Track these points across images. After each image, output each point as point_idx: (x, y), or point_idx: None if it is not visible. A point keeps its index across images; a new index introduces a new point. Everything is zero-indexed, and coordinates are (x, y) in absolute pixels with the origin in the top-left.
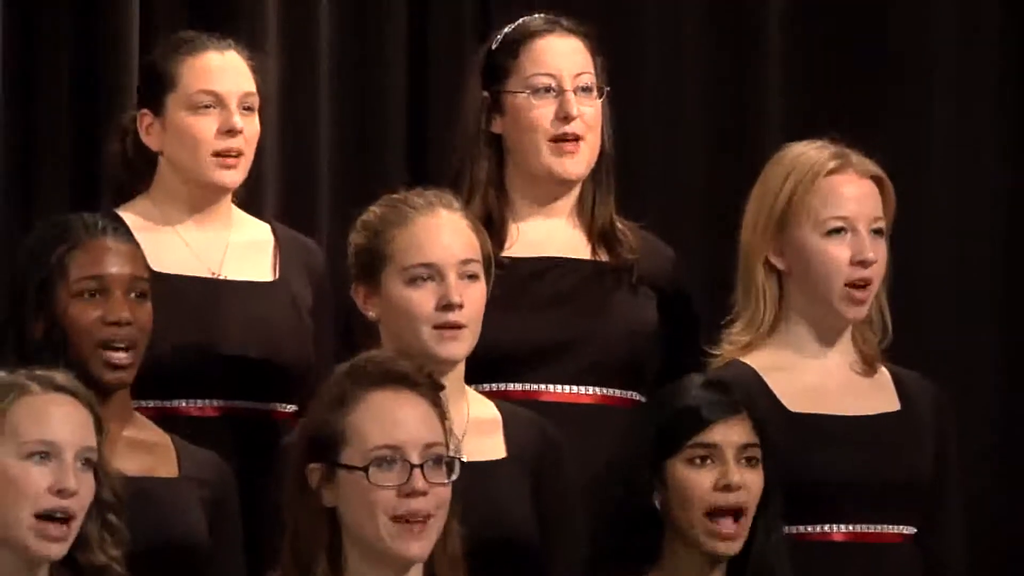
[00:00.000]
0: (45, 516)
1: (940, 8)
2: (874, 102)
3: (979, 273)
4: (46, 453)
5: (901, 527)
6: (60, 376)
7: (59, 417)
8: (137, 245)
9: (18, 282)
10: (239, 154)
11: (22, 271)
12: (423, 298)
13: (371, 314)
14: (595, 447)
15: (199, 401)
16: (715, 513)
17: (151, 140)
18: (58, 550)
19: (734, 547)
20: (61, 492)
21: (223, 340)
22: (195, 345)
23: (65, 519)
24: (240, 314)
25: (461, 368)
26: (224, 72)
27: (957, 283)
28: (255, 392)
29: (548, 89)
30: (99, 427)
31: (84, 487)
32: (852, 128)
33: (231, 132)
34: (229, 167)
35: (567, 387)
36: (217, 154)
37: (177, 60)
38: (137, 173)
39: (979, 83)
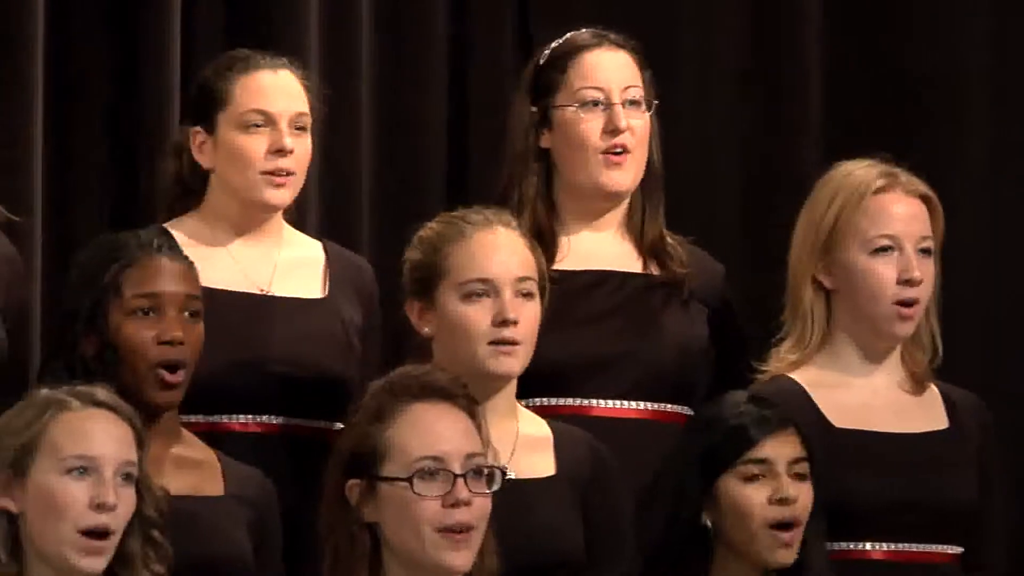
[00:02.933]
0: (86, 532)
1: (973, 26)
2: (913, 118)
3: (1017, 288)
4: (85, 468)
5: (945, 547)
6: (100, 391)
7: (98, 432)
8: (191, 263)
9: (70, 300)
10: (289, 173)
11: (74, 289)
12: (479, 314)
13: (425, 330)
14: (645, 463)
15: (245, 417)
16: (773, 525)
17: (203, 158)
18: (98, 564)
19: (791, 556)
20: (100, 507)
21: (270, 356)
22: (242, 361)
23: (105, 534)
24: (287, 330)
25: (512, 385)
26: (276, 92)
27: (994, 299)
28: (301, 409)
29: (596, 103)
30: (140, 442)
31: (124, 502)
32: (891, 143)
33: (281, 152)
34: (279, 186)
35: (617, 402)
36: (267, 173)
37: (230, 79)
38: (190, 190)
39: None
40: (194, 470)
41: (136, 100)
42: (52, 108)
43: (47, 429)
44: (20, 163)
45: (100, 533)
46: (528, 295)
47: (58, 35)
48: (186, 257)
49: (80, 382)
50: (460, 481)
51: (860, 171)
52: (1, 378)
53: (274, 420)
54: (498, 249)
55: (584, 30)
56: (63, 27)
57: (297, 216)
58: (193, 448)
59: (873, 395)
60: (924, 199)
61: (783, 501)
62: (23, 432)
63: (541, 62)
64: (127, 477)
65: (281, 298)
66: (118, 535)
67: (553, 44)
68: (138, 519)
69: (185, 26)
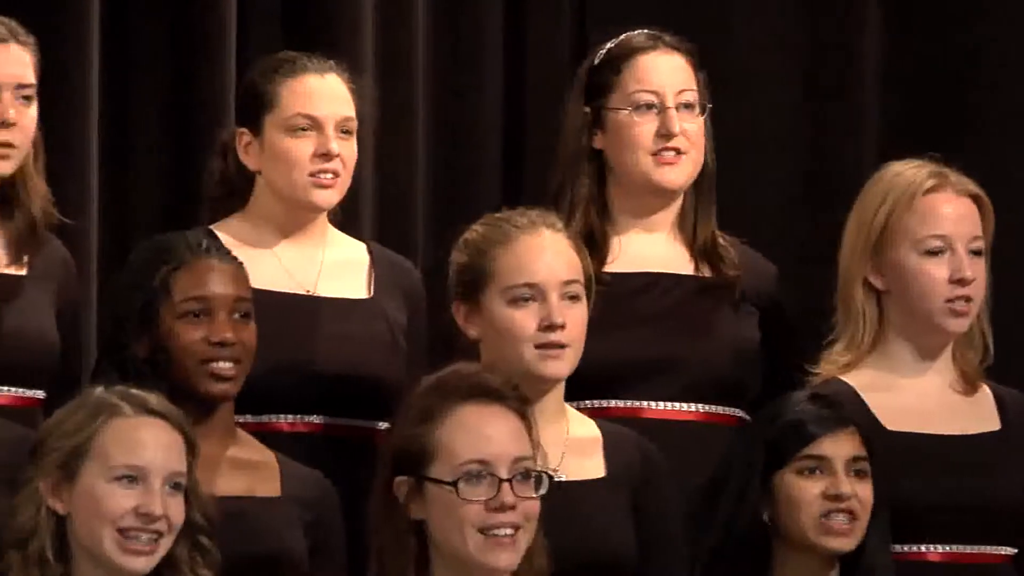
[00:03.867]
0: (128, 533)
1: None
2: (967, 118)
3: None
4: (133, 477)
5: (1000, 548)
6: (152, 398)
7: (149, 442)
8: (239, 264)
9: (121, 302)
10: (335, 175)
11: (125, 291)
12: (525, 318)
13: (472, 333)
14: (697, 464)
15: (291, 417)
16: (826, 515)
17: (249, 160)
18: (143, 564)
19: (848, 543)
20: (146, 516)
21: (315, 357)
22: (288, 362)
23: (153, 538)
24: (332, 331)
25: (561, 387)
26: (323, 96)
27: None
28: (347, 409)
29: (650, 106)
30: (191, 449)
31: (172, 510)
32: (945, 143)
33: (327, 156)
34: (325, 187)
35: (669, 404)
36: (312, 175)
37: (277, 81)
38: (236, 191)
39: None
40: (251, 471)
41: (192, 103)
42: (107, 112)
43: (98, 434)
44: (76, 167)
45: (145, 538)
46: (575, 298)
47: (113, 39)
48: (235, 258)
49: (132, 384)
50: (506, 485)
51: (910, 171)
52: (56, 380)
53: (320, 420)
54: (544, 252)
55: (639, 32)
56: (118, 31)
57: (351, 218)
58: (250, 449)
59: (925, 397)
60: (974, 199)
61: (838, 497)
62: (74, 435)
63: (595, 63)
64: (176, 486)
65: (326, 299)
66: (167, 541)
67: (608, 45)
68: (186, 525)
69: (241, 28)
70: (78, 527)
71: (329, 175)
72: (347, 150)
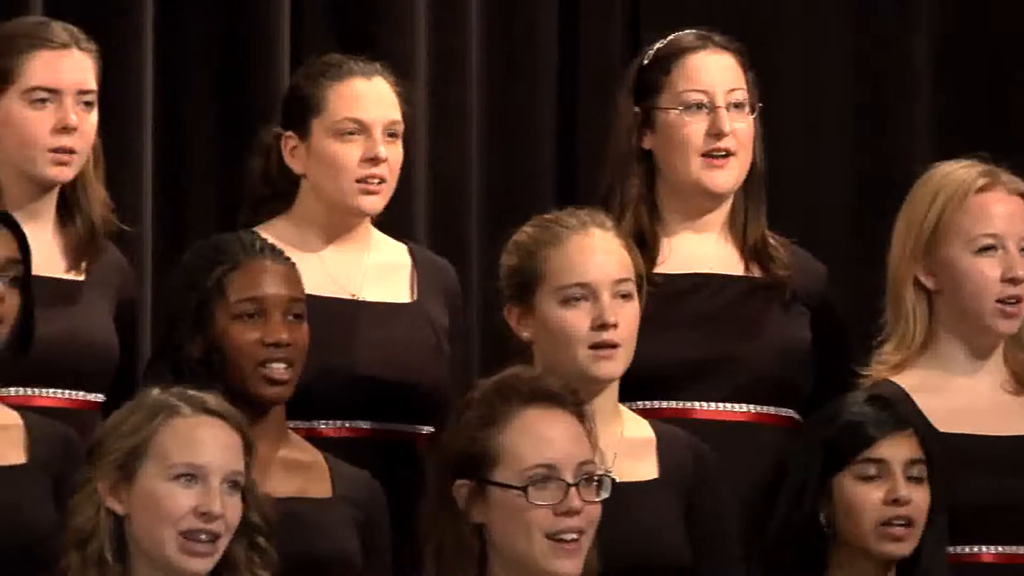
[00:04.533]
0: (189, 535)
1: None
2: (1018, 115)
3: None
4: (192, 476)
5: None
6: (211, 399)
7: (207, 441)
8: (292, 265)
9: (175, 302)
10: (382, 180)
11: (179, 291)
12: (577, 318)
13: (525, 335)
14: (748, 465)
15: (335, 422)
16: (885, 523)
17: (295, 163)
18: (203, 566)
19: (906, 548)
20: (205, 515)
21: (360, 361)
22: (332, 366)
23: (211, 539)
24: (376, 336)
25: (615, 387)
26: (369, 99)
27: None
28: (392, 413)
29: (700, 105)
30: (249, 449)
31: (230, 509)
32: (1000, 143)
33: (375, 160)
34: (371, 193)
35: (720, 404)
36: (360, 180)
37: (323, 85)
38: (279, 192)
39: None
40: (302, 472)
41: (245, 106)
42: (160, 116)
43: (157, 434)
44: (130, 171)
45: (205, 538)
46: (626, 296)
47: (166, 44)
48: (288, 259)
49: (188, 385)
50: (573, 490)
51: (961, 171)
52: (115, 384)
53: (365, 424)
54: (595, 252)
55: (688, 31)
56: (171, 36)
57: (405, 221)
58: (301, 451)
59: (976, 397)
60: None
61: (897, 502)
62: (133, 435)
63: (645, 63)
64: (234, 485)
65: (370, 303)
66: (224, 541)
67: (657, 45)
68: (244, 525)
69: (293, 31)
70: (137, 528)
71: (376, 180)
72: (394, 154)
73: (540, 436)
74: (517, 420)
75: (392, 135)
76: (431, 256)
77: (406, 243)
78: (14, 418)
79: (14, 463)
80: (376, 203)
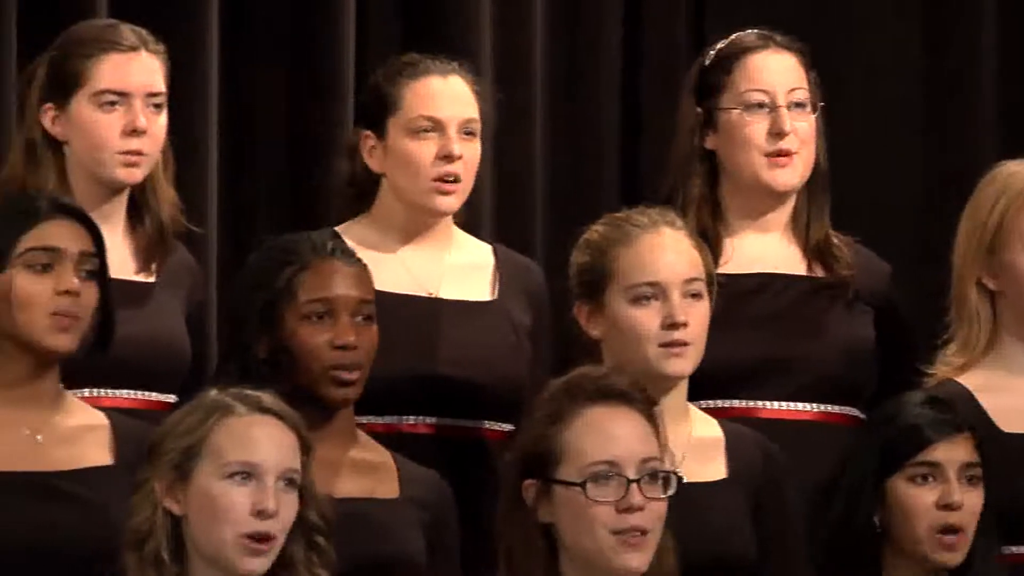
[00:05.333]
0: (247, 536)
1: None
2: None
3: None
4: (247, 474)
5: None
6: (266, 397)
7: (262, 439)
8: (364, 266)
9: (242, 302)
10: (457, 180)
11: (246, 291)
12: (648, 317)
13: (594, 333)
14: (814, 464)
15: (414, 418)
16: (938, 529)
17: (373, 162)
18: (260, 565)
19: (957, 558)
20: (261, 513)
21: (439, 359)
22: (411, 363)
23: (265, 538)
24: (456, 333)
25: (684, 387)
26: (445, 97)
27: None
28: (470, 410)
29: (761, 105)
30: (305, 448)
31: (285, 508)
32: None
33: (449, 158)
34: (447, 193)
35: (785, 404)
36: (436, 179)
37: (400, 83)
38: (363, 193)
39: None
40: (369, 473)
41: (310, 106)
42: (226, 116)
43: (211, 433)
44: (195, 172)
45: (261, 537)
46: (696, 295)
47: (232, 44)
48: (359, 260)
49: (251, 385)
50: (634, 486)
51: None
52: (184, 384)
53: (443, 421)
54: (665, 251)
55: (750, 31)
56: (237, 35)
57: (471, 219)
58: (370, 451)
59: None
60: None
61: (949, 506)
62: (188, 435)
63: (706, 63)
64: (289, 483)
65: (450, 301)
66: (280, 540)
67: (719, 45)
68: (301, 524)
69: (359, 30)
70: (194, 528)
71: (451, 180)
72: (469, 152)
73: (603, 433)
74: (582, 418)
75: (468, 133)
76: (516, 256)
77: (492, 244)
78: (100, 419)
79: (101, 464)
80: (451, 202)
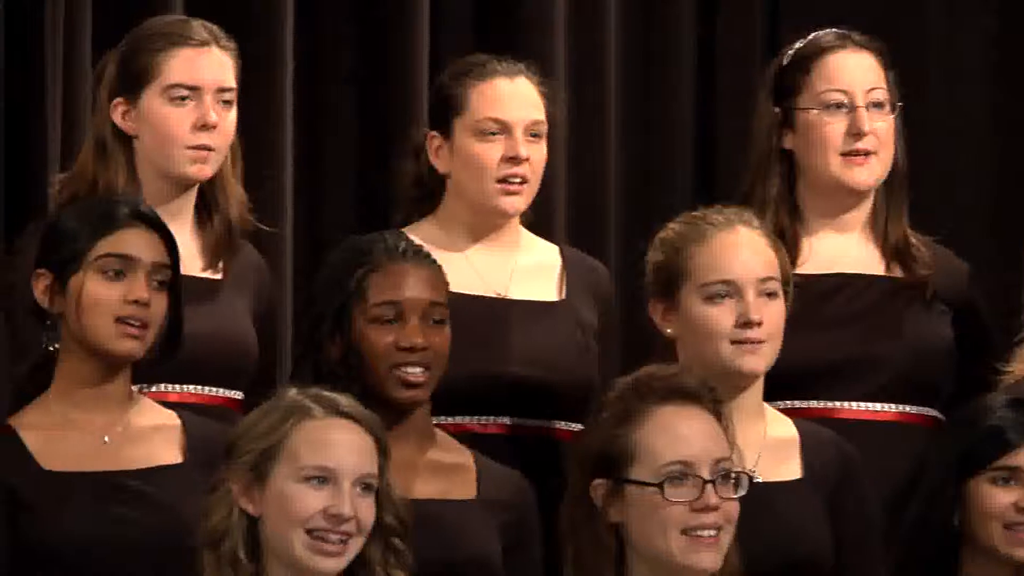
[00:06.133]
0: (317, 534)
1: None
2: None
3: None
4: (323, 478)
5: None
6: (344, 400)
7: (339, 443)
8: (438, 268)
9: (317, 302)
10: (523, 181)
11: (322, 292)
12: (721, 315)
13: (668, 331)
14: (892, 464)
15: (483, 419)
16: (1016, 527)
17: (439, 163)
18: (333, 565)
19: None
20: (335, 518)
21: (507, 359)
22: (479, 364)
23: (342, 540)
24: (524, 333)
25: (759, 386)
26: (512, 99)
27: None
28: (539, 410)
29: (840, 105)
30: (383, 452)
31: (362, 511)
32: None
33: (515, 160)
34: (512, 194)
35: (863, 404)
36: (501, 181)
37: (466, 84)
38: (428, 193)
39: None
40: (446, 474)
41: (384, 106)
42: (300, 115)
43: (289, 436)
44: (271, 172)
45: (335, 539)
46: (771, 294)
47: (306, 45)
48: (433, 261)
49: (326, 386)
50: (709, 486)
51: None
52: (253, 382)
53: (512, 421)
54: (740, 250)
55: (828, 31)
56: (311, 37)
57: (543, 219)
58: (448, 451)
59: None
60: None
61: None
62: (266, 437)
63: (784, 63)
64: (366, 487)
65: (518, 301)
66: (357, 542)
67: (796, 45)
68: (378, 526)
69: (433, 30)
70: (269, 528)
71: (517, 181)
72: (536, 154)
73: (676, 433)
74: (653, 418)
75: (535, 135)
76: (584, 257)
77: (558, 245)
78: (172, 418)
79: (173, 463)
80: (517, 203)
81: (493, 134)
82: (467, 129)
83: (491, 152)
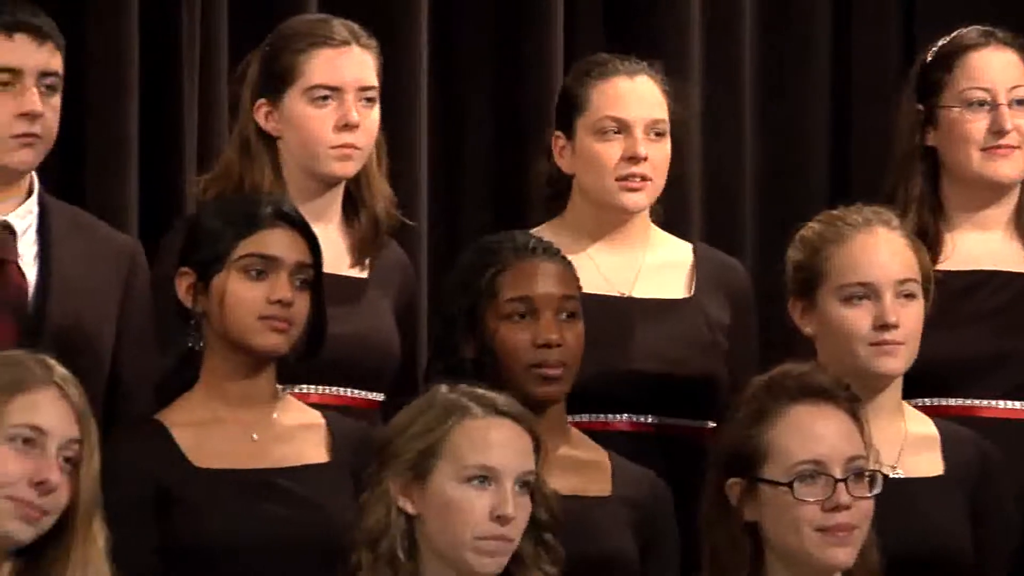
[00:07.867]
0: (484, 537)
1: None
2: None
3: None
4: (486, 478)
5: None
6: (501, 399)
7: (500, 443)
8: (568, 263)
9: (450, 303)
10: (644, 179)
11: (454, 292)
12: (858, 316)
13: (807, 330)
14: None
15: (610, 416)
16: None
17: (563, 162)
18: (496, 565)
19: None
20: (500, 519)
21: (633, 357)
22: (605, 361)
23: (504, 540)
24: (649, 331)
25: (898, 385)
26: (631, 98)
27: None
28: (667, 407)
29: (982, 103)
30: (539, 449)
31: (521, 510)
32: None
33: (634, 159)
34: (633, 190)
35: (1004, 402)
36: (620, 178)
37: (587, 84)
38: (558, 193)
39: None
40: (581, 471)
41: (520, 105)
42: (436, 114)
43: (449, 436)
44: (407, 170)
45: (497, 540)
46: (910, 296)
47: (441, 46)
48: (563, 257)
49: (467, 384)
50: (841, 485)
51: None
52: (394, 383)
53: (641, 419)
54: (878, 251)
55: (971, 28)
56: (446, 37)
57: (680, 219)
58: (582, 448)
59: None
60: None
61: None
62: (425, 436)
63: (927, 61)
64: (524, 485)
65: (641, 299)
66: (516, 541)
67: (939, 43)
68: (531, 522)
69: (567, 32)
70: (430, 528)
71: (637, 178)
72: (657, 152)
73: (808, 432)
74: (786, 416)
75: (658, 134)
76: (717, 255)
77: (692, 243)
78: (317, 418)
79: (318, 462)
80: (639, 199)
81: (613, 133)
82: (588, 128)
83: (610, 151)
